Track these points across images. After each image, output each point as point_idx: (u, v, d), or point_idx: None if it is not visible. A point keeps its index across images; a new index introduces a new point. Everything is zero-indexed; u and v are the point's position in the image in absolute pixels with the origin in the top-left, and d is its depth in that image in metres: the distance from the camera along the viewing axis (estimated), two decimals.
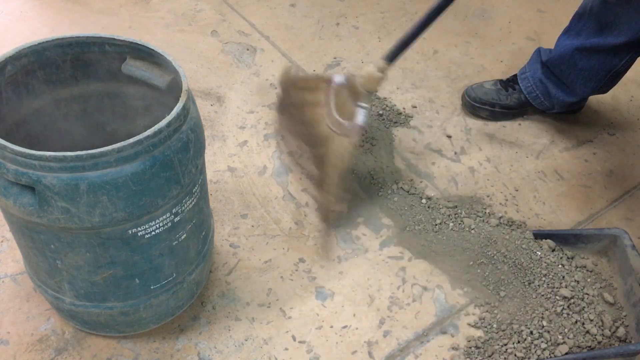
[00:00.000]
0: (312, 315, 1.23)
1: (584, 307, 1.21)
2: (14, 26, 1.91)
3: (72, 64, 1.04)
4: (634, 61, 1.51)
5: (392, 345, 1.19)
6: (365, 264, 1.33)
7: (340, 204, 1.36)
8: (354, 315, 1.24)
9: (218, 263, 1.30)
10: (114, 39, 1.01)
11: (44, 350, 1.13)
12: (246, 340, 1.18)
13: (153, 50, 0.99)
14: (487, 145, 1.65)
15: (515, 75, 1.72)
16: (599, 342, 1.16)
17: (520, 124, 1.72)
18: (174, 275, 1.07)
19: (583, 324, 1.19)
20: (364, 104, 1.30)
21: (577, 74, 1.55)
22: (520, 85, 1.69)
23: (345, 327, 1.21)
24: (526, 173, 1.58)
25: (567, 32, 1.57)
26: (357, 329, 1.21)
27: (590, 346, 1.16)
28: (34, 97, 1.05)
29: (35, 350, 1.13)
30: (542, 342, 1.17)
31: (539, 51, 1.66)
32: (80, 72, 1.06)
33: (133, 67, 1.02)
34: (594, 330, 1.17)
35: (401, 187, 1.48)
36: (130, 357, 1.14)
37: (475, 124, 1.71)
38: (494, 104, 1.69)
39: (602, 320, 1.19)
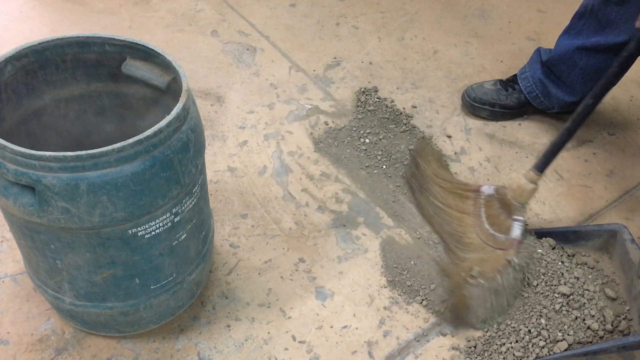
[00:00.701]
0: (312, 315, 1.23)
1: (584, 303, 1.21)
2: (14, 26, 1.91)
3: (72, 64, 1.04)
4: (635, 60, 1.51)
5: (392, 345, 1.19)
6: (365, 264, 1.33)
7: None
8: (354, 315, 1.24)
9: (218, 263, 1.30)
10: (114, 39, 1.01)
11: (44, 350, 1.13)
12: (246, 340, 1.18)
13: (153, 50, 0.99)
14: (487, 145, 1.65)
15: (515, 75, 1.72)
16: (601, 337, 1.16)
17: (520, 124, 1.72)
18: (174, 275, 1.07)
19: (584, 320, 1.19)
20: (519, 217, 1.28)
21: (577, 74, 1.55)
22: (520, 85, 1.68)
23: (345, 327, 1.21)
24: None
25: (567, 31, 1.57)
26: (357, 329, 1.21)
27: (591, 342, 1.16)
28: (34, 97, 1.05)
29: (35, 350, 1.13)
30: (540, 340, 1.17)
31: (539, 51, 1.66)
32: (80, 72, 1.06)
33: (133, 67, 1.02)
34: (595, 326, 1.17)
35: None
36: (130, 357, 1.14)
37: (475, 124, 1.71)
38: (494, 104, 1.69)
39: (603, 316, 1.19)
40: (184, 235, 1.02)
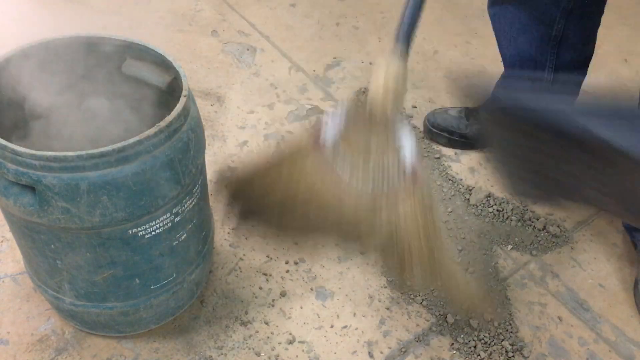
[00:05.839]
0: (312, 315, 1.23)
1: None
2: (14, 26, 1.91)
3: (73, 64, 1.04)
4: (561, 71, 1.41)
5: (392, 345, 1.19)
6: (365, 264, 1.33)
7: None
8: (354, 315, 1.24)
9: (218, 263, 1.30)
10: (114, 39, 1.01)
11: (44, 350, 1.13)
12: (246, 340, 1.18)
13: (153, 50, 0.99)
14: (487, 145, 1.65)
15: None
16: None
17: None
18: (174, 275, 1.07)
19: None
20: (397, 133, 0.83)
21: None
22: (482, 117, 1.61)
23: (345, 327, 1.21)
24: None
25: None
26: (357, 329, 1.21)
27: None
28: (34, 97, 1.05)
29: (35, 350, 1.13)
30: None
31: None
32: (81, 72, 1.06)
33: (133, 67, 1.02)
34: None
35: None
36: (130, 357, 1.14)
37: None
38: (452, 132, 1.61)
39: None
40: (184, 235, 1.02)
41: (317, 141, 0.82)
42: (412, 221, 0.82)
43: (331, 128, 0.82)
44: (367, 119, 0.82)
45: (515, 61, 1.40)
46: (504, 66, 1.46)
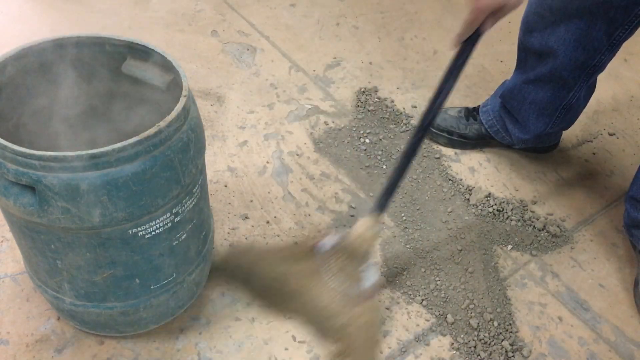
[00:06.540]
0: None
1: None
2: (14, 26, 1.91)
3: (72, 64, 1.04)
4: (583, 91, 1.41)
5: (392, 345, 1.19)
6: None
7: None
8: None
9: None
10: (114, 39, 1.01)
11: (44, 350, 1.13)
12: (246, 340, 1.18)
13: (153, 50, 0.99)
14: (487, 145, 1.65)
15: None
16: None
17: None
18: (174, 275, 1.07)
19: None
20: (364, 267, 1.15)
21: (527, 109, 1.46)
22: (481, 117, 1.59)
23: None
24: (526, 173, 1.58)
25: (517, 64, 1.49)
26: None
27: None
28: (34, 97, 1.05)
29: (35, 350, 1.13)
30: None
31: (503, 83, 1.56)
32: (80, 72, 1.06)
33: (133, 67, 1.02)
34: None
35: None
36: (130, 357, 1.14)
37: None
38: (452, 132, 1.61)
39: None
40: (184, 235, 1.02)
41: (314, 249, 1.18)
42: (356, 327, 1.13)
43: (326, 244, 1.17)
44: (349, 251, 1.16)
45: (545, 77, 1.39)
46: (525, 76, 1.44)
